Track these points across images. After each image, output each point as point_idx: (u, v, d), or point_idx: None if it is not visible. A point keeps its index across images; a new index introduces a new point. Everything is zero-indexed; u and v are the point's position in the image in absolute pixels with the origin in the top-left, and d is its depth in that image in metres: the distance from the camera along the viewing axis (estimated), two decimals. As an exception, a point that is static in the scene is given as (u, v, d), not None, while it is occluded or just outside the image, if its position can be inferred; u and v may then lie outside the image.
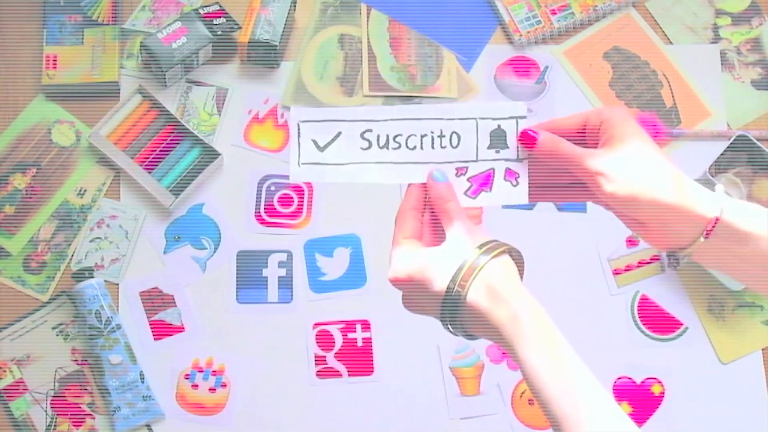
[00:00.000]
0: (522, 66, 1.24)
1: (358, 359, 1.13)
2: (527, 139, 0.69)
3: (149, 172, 1.17)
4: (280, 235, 1.17)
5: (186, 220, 1.17)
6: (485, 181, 0.70)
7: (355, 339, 1.14)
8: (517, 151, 0.70)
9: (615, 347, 1.14)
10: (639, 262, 1.17)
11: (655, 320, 1.15)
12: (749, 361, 1.14)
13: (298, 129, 0.71)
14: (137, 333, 1.13)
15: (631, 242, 1.17)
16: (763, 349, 1.15)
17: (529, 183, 0.70)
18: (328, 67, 1.24)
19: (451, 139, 0.70)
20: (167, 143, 1.19)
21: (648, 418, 1.12)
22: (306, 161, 0.71)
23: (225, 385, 1.12)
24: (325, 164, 0.71)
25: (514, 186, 0.70)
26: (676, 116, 1.23)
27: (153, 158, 1.18)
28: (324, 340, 1.14)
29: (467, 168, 0.70)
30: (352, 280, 1.16)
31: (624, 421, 0.59)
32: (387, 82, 1.23)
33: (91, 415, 1.11)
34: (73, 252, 1.16)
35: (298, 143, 0.71)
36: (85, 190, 1.18)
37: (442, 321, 0.66)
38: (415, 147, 0.71)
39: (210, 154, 1.18)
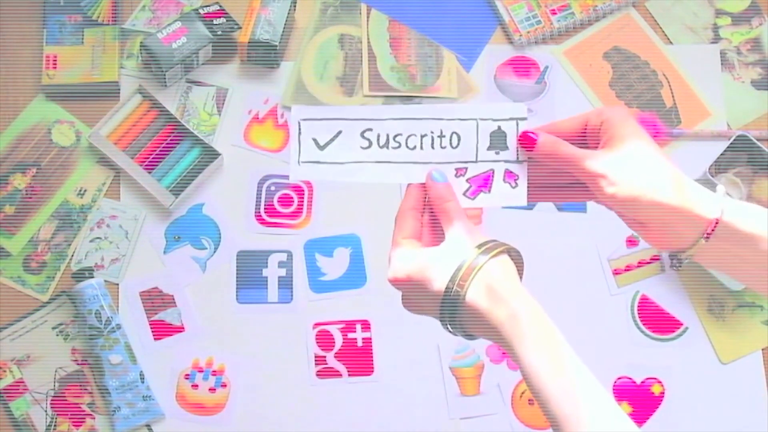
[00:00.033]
0: (522, 66, 1.24)
1: (358, 359, 1.13)
2: (527, 140, 0.69)
3: (149, 172, 1.17)
4: (280, 235, 1.17)
5: (186, 220, 1.17)
6: (484, 182, 0.70)
7: (355, 339, 1.14)
8: (517, 152, 0.70)
9: (615, 347, 1.14)
10: (639, 262, 1.17)
11: (655, 320, 1.15)
12: (749, 361, 1.14)
13: (299, 127, 0.71)
14: (137, 333, 1.13)
15: (631, 242, 1.17)
16: (763, 349, 1.15)
17: (528, 184, 0.70)
18: (328, 67, 1.24)
19: (451, 140, 0.70)
20: (167, 143, 1.19)
21: (648, 418, 1.12)
22: (306, 160, 0.71)
23: (225, 385, 1.12)
24: (325, 163, 0.71)
25: (513, 188, 0.70)
26: (676, 116, 1.23)
27: (153, 158, 1.18)
28: (324, 340, 1.14)
29: (467, 169, 0.70)
30: (352, 280, 1.16)
31: (624, 421, 0.59)
32: (387, 82, 1.23)
33: (91, 415, 1.11)
34: (73, 252, 1.16)
35: (299, 141, 0.71)
36: (85, 190, 1.18)
37: (441, 321, 0.67)
38: (415, 147, 0.71)
39: (210, 154, 1.18)
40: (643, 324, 1.15)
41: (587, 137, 0.69)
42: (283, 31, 1.20)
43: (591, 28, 1.26)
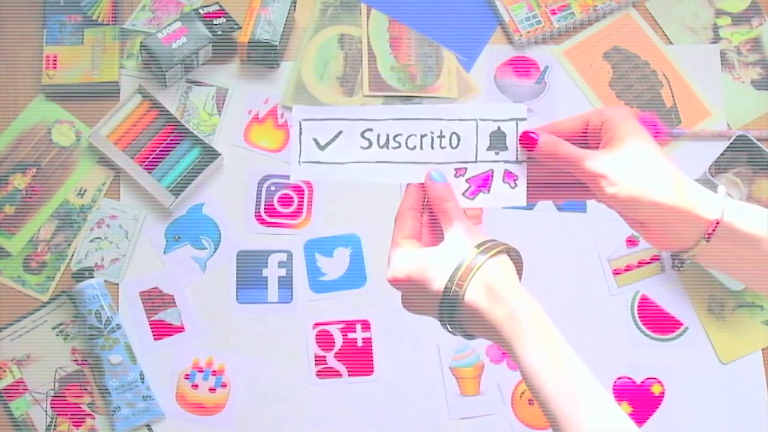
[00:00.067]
0: (522, 66, 1.24)
1: (358, 359, 1.13)
2: (528, 140, 0.69)
3: (149, 172, 1.17)
4: (280, 235, 1.17)
5: (186, 220, 1.17)
6: (484, 183, 0.70)
7: (355, 339, 1.14)
8: (517, 153, 0.70)
9: (615, 347, 1.14)
10: (639, 262, 1.17)
11: (655, 320, 1.15)
12: (749, 361, 1.14)
13: (300, 127, 0.71)
14: (137, 333, 1.13)
15: (631, 242, 1.17)
16: (763, 349, 1.15)
17: (528, 184, 0.70)
18: (328, 67, 1.24)
19: (450, 140, 0.70)
20: (167, 143, 1.19)
21: (648, 418, 1.12)
22: (306, 160, 0.71)
23: (225, 385, 1.12)
24: (325, 163, 0.71)
25: (513, 188, 0.70)
26: (676, 116, 1.23)
27: (153, 158, 1.18)
28: (324, 340, 1.14)
29: (466, 169, 0.70)
30: (352, 280, 1.16)
31: (624, 420, 0.59)
32: (387, 82, 1.23)
33: (91, 415, 1.11)
34: (73, 252, 1.16)
35: (300, 141, 0.71)
36: (85, 190, 1.18)
37: (440, 321, 0.67)
38: (415, 147, 0.71)
39: (210, 154, 1.18)
40: (643, 324, 1.15)
41: (588, 137, 0.69)
42: (283, 31, 1.20)
43: (591, 28, 1.26)
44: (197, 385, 1.12)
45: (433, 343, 1.13)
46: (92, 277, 1.12)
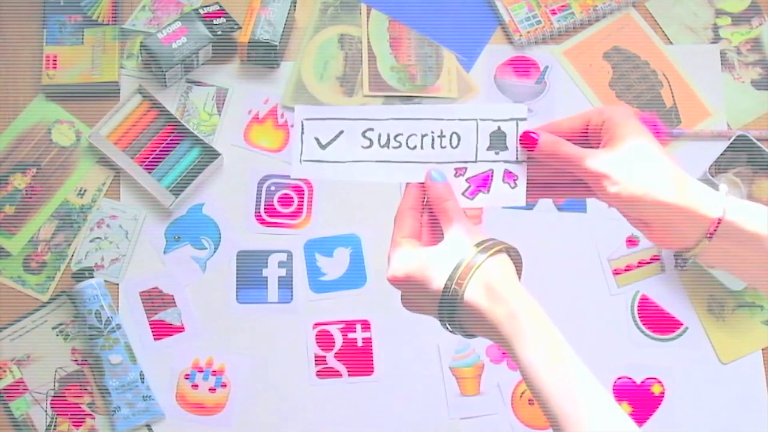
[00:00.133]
0: (522, 66, 1.24)
1: (358, 359, 1.13)
2: (528, 140, 0.69)
3: (149, 172, 1.17)
4: (280, 235, 1.17)
5: (186, 220, 1.17)
6: (483, 182, 0.70)
7: (355, 339, 1.14)
8: (517, 153, 0.70)
9: (615, 347, 1.14)
10: (639, 262, 1.17)
11: (655, 320, 1.15)
12: (749, 361, 1.14)
13: (302, 126, 0.72)
14: (137, 333, 1.13)
15: (631, 242, 1.17)
16: (763, 349, 1.14)
17: (528, 183, 0.70)
18: (328, 67, 1.24)
19: (451, 140, 0.71)
20: (167, 143, 1.19)
21: (648, 418, 1.12)
22: (307, 158, 0.72)
23: (225, 385, 1.12)
24: (326, 162, 0.72)
25: (512, 188, 0.70)
26: (676, 116, 1.23)
27: (153, 158, 1.18)
28: (324, 340, 1.14)
29: (466, 168, 0.71)
30: (352, 280, 1.16)
31: (624, 420, 0.59)
32: (387, 82, 1.23)
33: (91, 415, 1.11)
34: (73, 252, 1.16)
35: (301, 140, 0.72)
36: (85, 190, 1.18)
37: (440, 320, 0.67)
38: (415, 146, 0.71)
39: (210, 154, 1.18)
40: (643, 324, 1.15)
41: (589, 136, 0.69)
42: (283, 31, 1.20)
43: (591, 28, 1.26)
44: (197, 385, 1.12)
45: (433, 343, 1.13)
46: (92, 277, 1.12)
